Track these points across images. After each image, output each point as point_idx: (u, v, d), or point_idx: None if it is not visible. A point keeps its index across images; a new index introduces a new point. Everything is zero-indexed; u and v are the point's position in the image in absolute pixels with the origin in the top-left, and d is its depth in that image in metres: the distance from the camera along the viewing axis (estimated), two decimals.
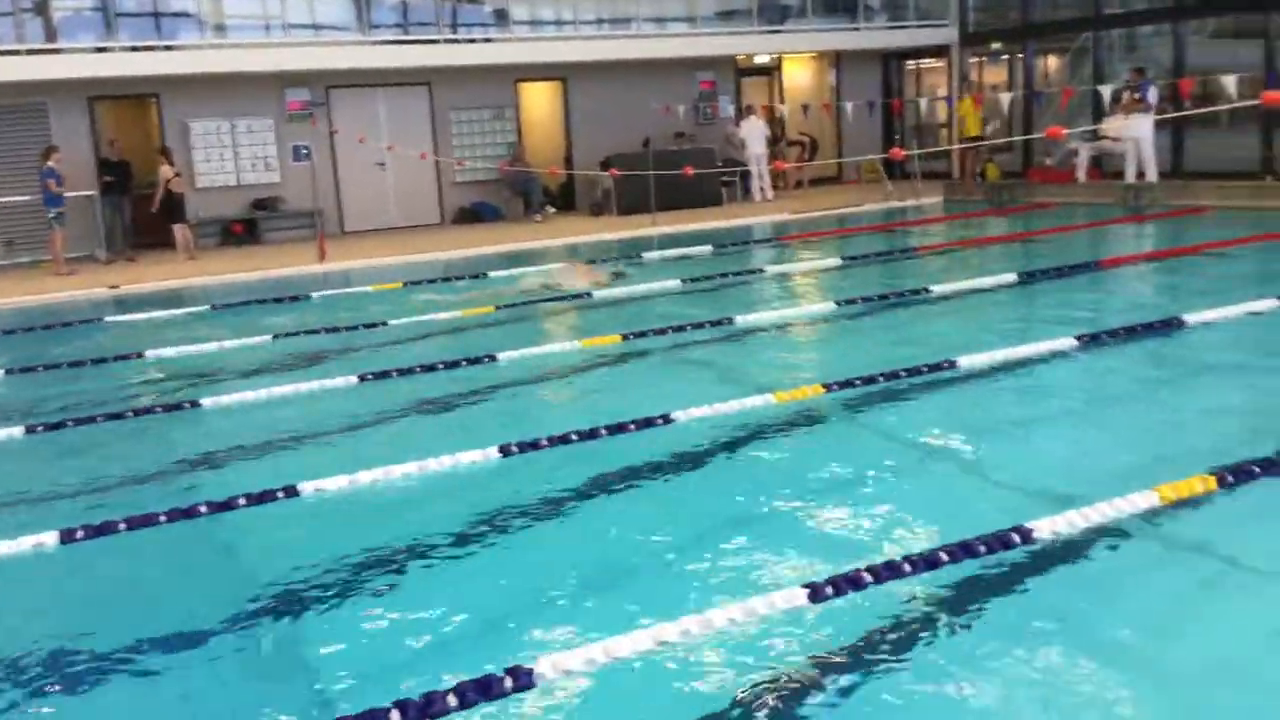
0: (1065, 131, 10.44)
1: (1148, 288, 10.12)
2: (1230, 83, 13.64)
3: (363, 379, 7.43)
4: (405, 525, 4.77)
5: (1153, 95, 16.27)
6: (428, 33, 17.84)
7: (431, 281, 12.62)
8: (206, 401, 7.09)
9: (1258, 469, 4.69)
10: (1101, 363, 7.10)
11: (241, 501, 5.03)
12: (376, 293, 11.93)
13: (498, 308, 10.17)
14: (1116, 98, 16.59)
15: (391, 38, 17.65)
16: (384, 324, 9.66)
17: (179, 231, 15.79)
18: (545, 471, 5.37)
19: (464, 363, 7.76)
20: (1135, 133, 16.50)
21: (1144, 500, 4.39)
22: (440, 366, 7.70)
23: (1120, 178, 16.95)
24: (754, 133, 19.44)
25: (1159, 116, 15.73)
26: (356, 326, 9.62)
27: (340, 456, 5.76)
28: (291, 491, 5.11)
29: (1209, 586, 3.92)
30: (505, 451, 5.56)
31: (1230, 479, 4.59)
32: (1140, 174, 16.67)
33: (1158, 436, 5.56)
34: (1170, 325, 7.70)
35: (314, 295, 11.95)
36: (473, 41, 18.40)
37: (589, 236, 16.36)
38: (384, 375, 7.52)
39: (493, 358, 7.86)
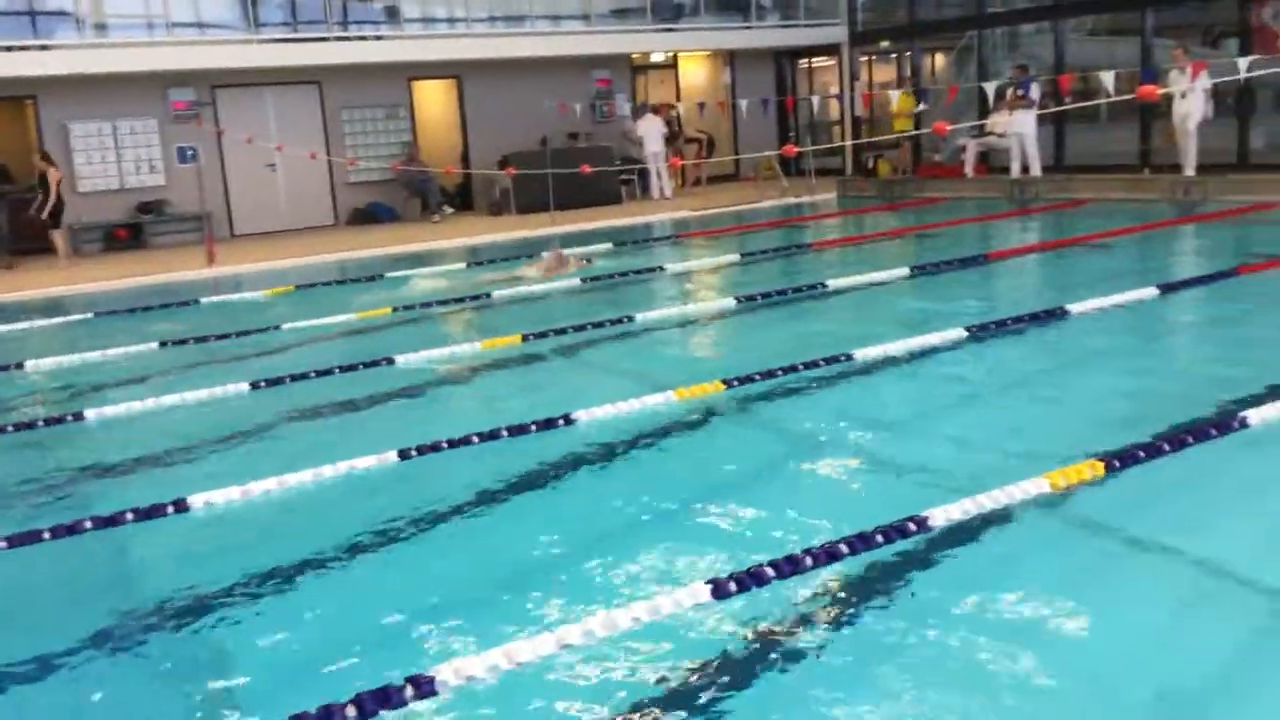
0: (949, 127, 10.72)
1: (1033, 279, 10.41)
2: (1108, 79, 14.11)
3: (255, 386, 7.25)
4: (301, 534, 4.66)
5: (1035, 92, 16.77)
6: (317, 30, 17.48)
7: (326, 284, 12.37)
8: (90, 413, 6.83)
9: (1142, 453, 4.85)
10: (991, 353, 7.28)
11: (129, 516, 4.85)
12: (269, 297, 11.66)
13: (395, 309, 10.02)
14: (1000, 94, 17.05)
15: (279, 36, 17.26)
16: (276, 328, 9.44)
17: (57, 237, 15.22)
18: (446, 475, 5.29)
19: (360, 366, 7.62)
20: (1019, 128, 17.02)
21: (1034, 487, 4.51)
22: (336, 371, 7.54)
23: (1007, 172, 17.45)
24: (651, 131, 19.50)
25: (1041, 111, 16.24)
26: (248, 331, 9.38)
27: (232, 466, 5.60)
28: (181, 505, 4.95)
29: (1096, 570, 4.03)
30: (404, 455, 5.47)
31: (1116, 464, 4.74)
32: (1025, 169, 17.17)
33: (1047, 424, 5.71)
34: (1055, 315, 7.92)
35: (203, 300, 11.63)
36: (363, 39, 18.10)
37: (488, 236, 16.24)
38: (277, 381, 7.34)
39: (390, 360, 7.73)
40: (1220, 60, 15.92)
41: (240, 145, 17.31)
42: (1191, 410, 5.49)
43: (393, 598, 4.04)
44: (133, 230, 17.24)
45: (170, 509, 4.92)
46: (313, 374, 7.48)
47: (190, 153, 17.34)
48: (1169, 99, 15.13)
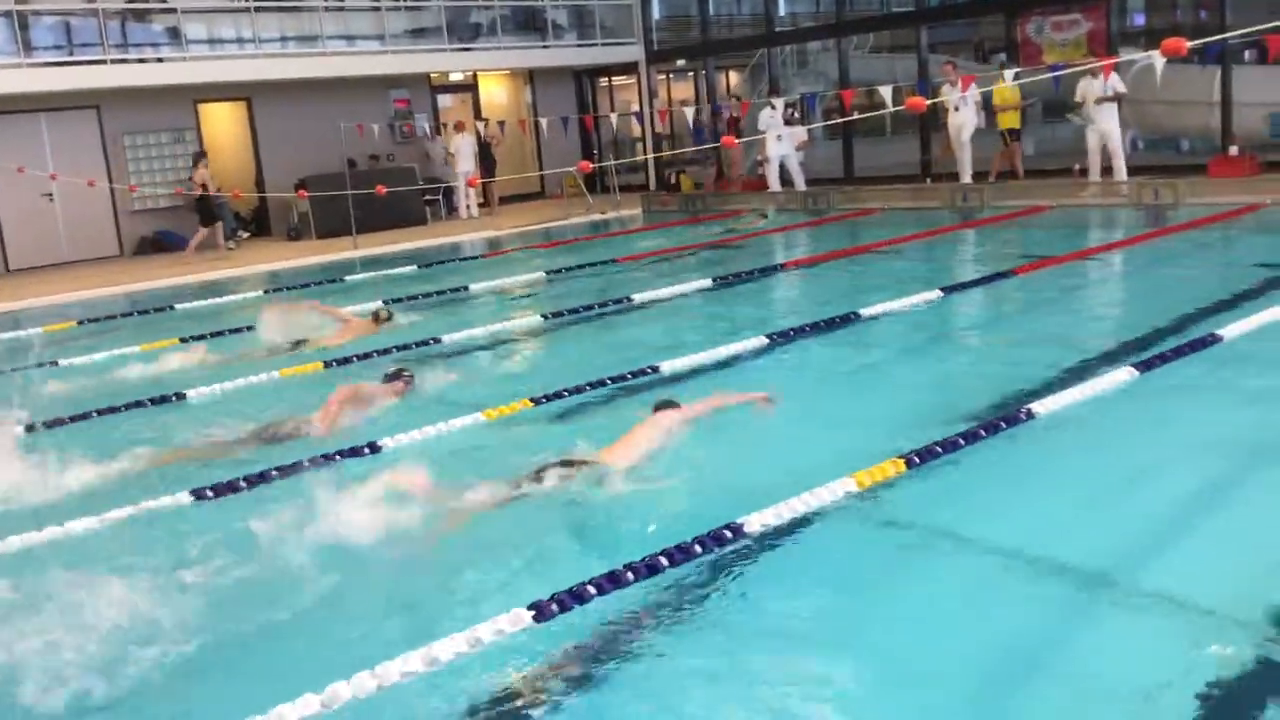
0: (738, 141, 11.05)
1: (828, 285, 10.76)
2: (887, 93, 14.78)
3: (30, 429, 6.74)
4: (83, 581, 4.32)
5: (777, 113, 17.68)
6: (93, 53, 16.55)
7: (110, 318, 11.68)
8: None
9: (939, 449, 5.05)
10: (792, 358, 7.47)
11: None
12: (49, 333, 10.94)
13: (182, 340, 9.53)
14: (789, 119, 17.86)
15: (52, 59, 16.25)
16: (54, 364, 8.85)
17: None
18: (243, 511, 5.02)
19: (148, 402, 7.20)
20: (784, 149, 17.84)
21: (842, 486, 4.63)
22: (122, 409, 7.09)
23: (814, 184, 18.16)
24: (464, 149, 19.29)
25: (827, 124, 16.97)
26: (22, 369, 8.75)
27: (7, 518, 5.17)
28: None
29: (901, 561, 4.18)
30: (199, 495, 5.18)
31: (916, 460, 4.92)
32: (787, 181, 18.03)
33: (850, 426, 5.89)
34: (849, 319, 8.21)
35: None
36: (144, 61, 17.25)
37: (286, 262, 15.70)
38: (57, 423, 6.85)
39: (182, 395, 7.34)
40: (989, 73, 16.93)
41: (12, 175, 16.18)
42: (981, 404, 5.77)
43: (195, 641, 3.81)
44: None
45: None
46: (95, 413, 7.01)
47: None
48: (944, 111, 15.98)
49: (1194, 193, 13.31)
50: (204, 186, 16.55)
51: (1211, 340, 6.54)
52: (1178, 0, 18.47)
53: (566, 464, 4.99)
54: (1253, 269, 9.16)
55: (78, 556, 4.64)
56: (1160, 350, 6.42)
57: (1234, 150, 14.50)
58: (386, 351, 8.37)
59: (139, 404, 7.19)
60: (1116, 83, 13.93)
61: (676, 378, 6.96)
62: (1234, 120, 14.93)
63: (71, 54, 16.54)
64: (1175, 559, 3.98)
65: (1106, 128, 14.19)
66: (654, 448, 5.23)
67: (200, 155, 17.00)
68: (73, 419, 6.94)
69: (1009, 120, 16.02)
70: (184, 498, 5.18)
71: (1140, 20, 18.89)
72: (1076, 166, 15.44)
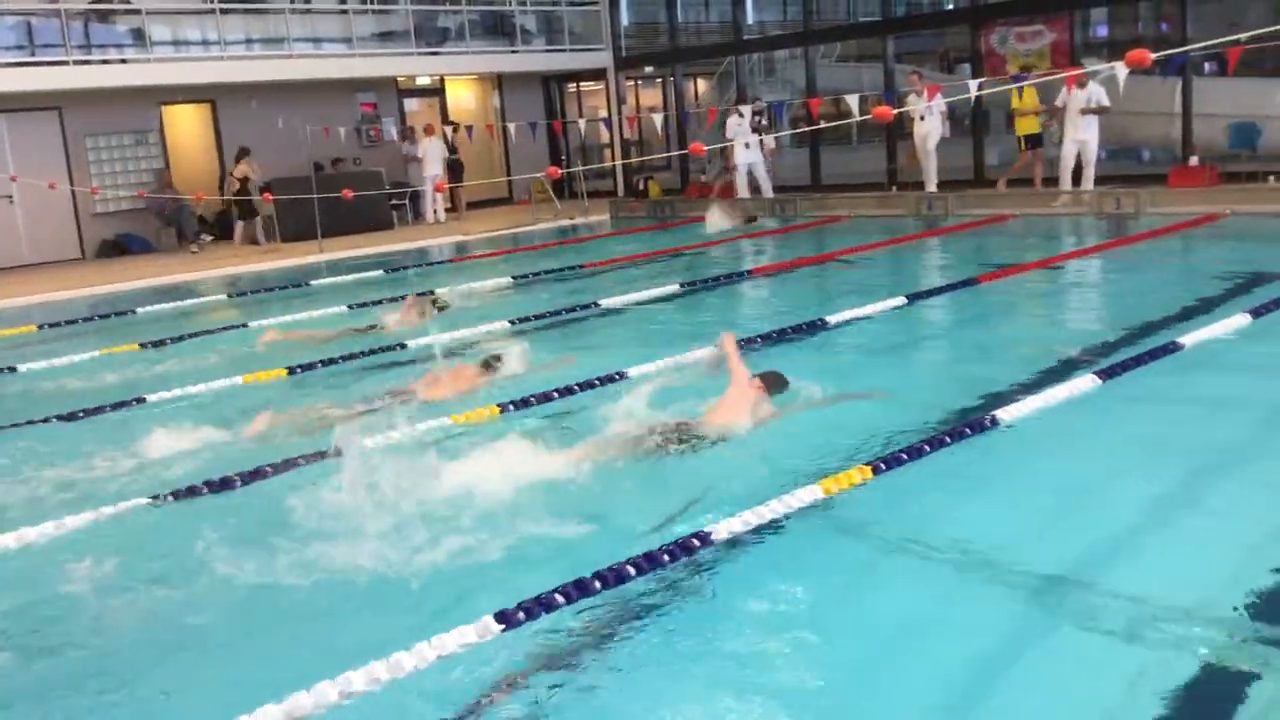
0: (706, 148, 11.09)
1: (795, 292, 10.78)
2: (854, 102, 14.85)
3: None
4: (48, 589, 4.26)
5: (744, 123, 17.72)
6: (55, 53, 16.33)
7: (71, 322, 11.52)
8: None
9: (905, 455, 5.07)
10: (758, 365, 7.45)
11: None
12: (7, 337, 10.78)
13: (142, 345, 9.41)
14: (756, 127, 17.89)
15: (13, 60, 16.03)
16: (12, 370, 8.72)
17: None
18: (204, 520, 4.96)
19: (109, 408, 7.09)
20: (751, 157, 17.90)
21: (809, 494, 4.63)
22: (81, 415, 6.98)
23: (778, 192, 18.18)
24: (432, 153, 19.20)
25: (794, 132, 17.05)
26: None
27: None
28: None
29: (867, 566, 4.19)
30: (159, 500, 5.11)
31: (882, 467, 4.93)
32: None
33: (816, 432, 5.89)
34: (816, 326, 8.23)
35: None
36: (107, 63, 17.05)
37: (249, 266, 15.56)
38: (11, 427, 6.74)
39: (142, 400, 7.24)
40: (954, 83, 17.07)
41: None
42: (947, 411, 5.80)
43: (151, 652, 3.76)
44: None
45: None
46: (54, 419, 6.91)
47: None
48: (910, 120, 16.09)
49: (1155, 202, 13.48)
50: (242, 182, 17.34)
51: (1173, 348, 6.62)
52: (1140, 13, 18.68)
53: (678, 426, 5.56)
54: (1212, 278, 9.27)
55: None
56: (1122, 358, 6.48)
57: (1194, 161, 14.70)
58: (352, 356, 8.30)
59: (98, 410, 7.08)
60: (1101, 95, 14.06)
61: (643, 384, 6.93)
62: (1194, 131, 15.14)
63: (33, 54, 16.31)
64: (1141, 564, 4.01)
65: (1086, 138, 14.32)
66: (748, 426, 5.64)
67: (244, 151, 17.50)
68: (31, 424, 6.83)
69: (1027, 126, 15.56)
70: (142, 503, 5.11)
71: (1103, 32, 19.10)
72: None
